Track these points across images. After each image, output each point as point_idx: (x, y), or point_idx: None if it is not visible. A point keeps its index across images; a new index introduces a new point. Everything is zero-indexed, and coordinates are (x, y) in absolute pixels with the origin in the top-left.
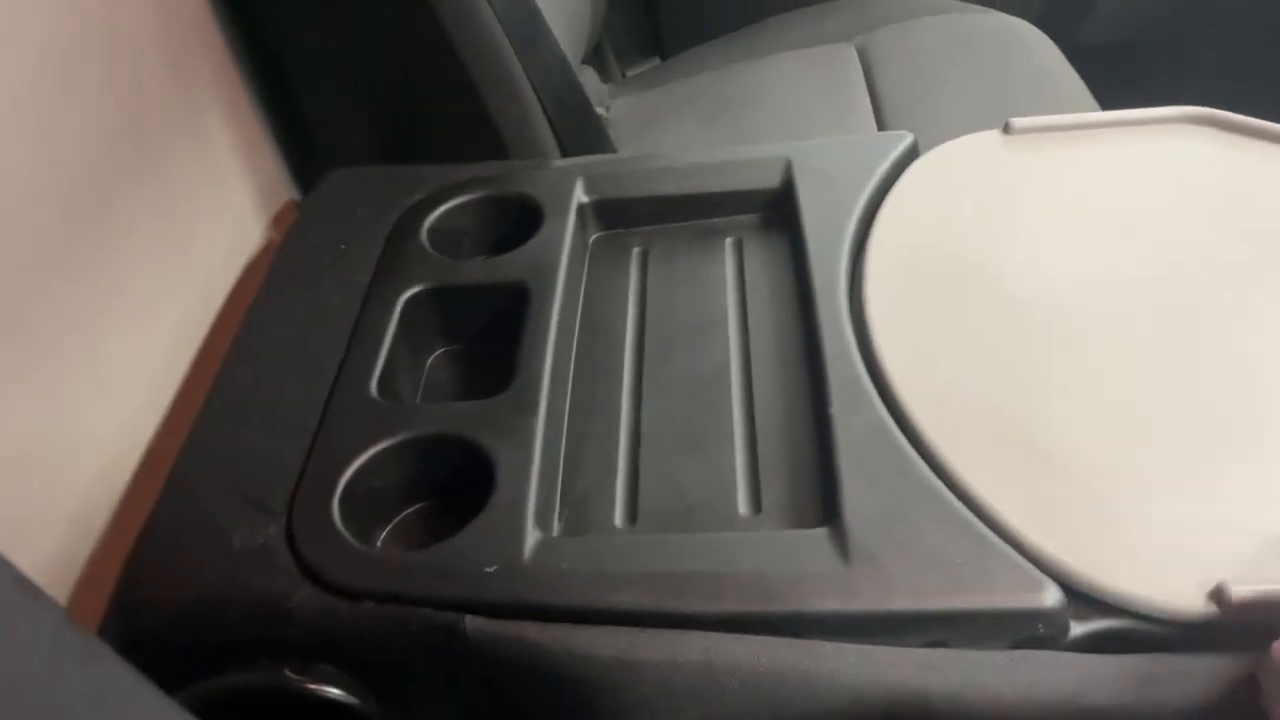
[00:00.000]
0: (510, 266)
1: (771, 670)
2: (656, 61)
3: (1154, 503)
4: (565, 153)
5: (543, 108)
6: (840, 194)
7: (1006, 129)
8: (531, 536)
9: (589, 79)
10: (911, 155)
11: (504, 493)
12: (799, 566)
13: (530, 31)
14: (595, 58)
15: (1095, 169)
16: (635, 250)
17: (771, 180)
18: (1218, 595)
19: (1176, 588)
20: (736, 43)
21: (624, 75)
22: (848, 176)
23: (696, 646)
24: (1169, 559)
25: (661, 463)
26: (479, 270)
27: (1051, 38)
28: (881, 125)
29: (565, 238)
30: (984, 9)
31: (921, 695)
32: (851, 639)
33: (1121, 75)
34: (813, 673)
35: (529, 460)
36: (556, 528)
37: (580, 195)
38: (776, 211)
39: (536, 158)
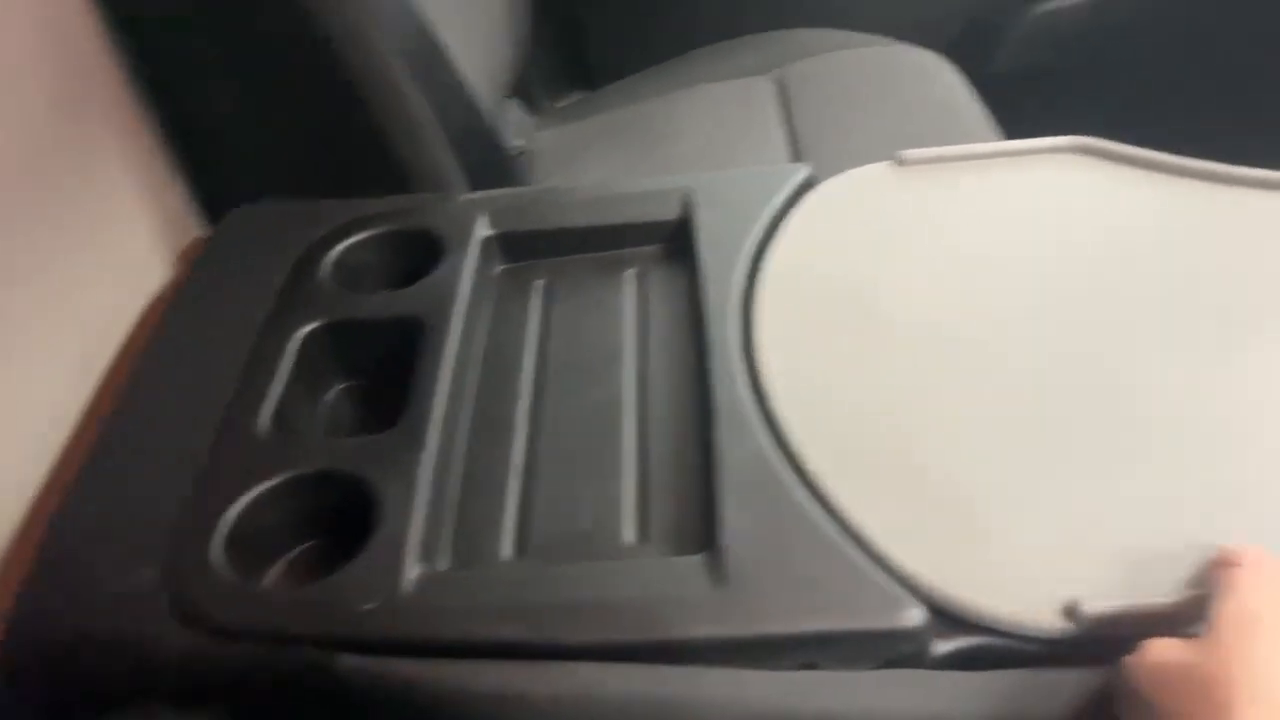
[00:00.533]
0: (408, 301)
1: (647, 699)
2: (585, 93)
3: (1018, 523)
4: (474, 186)
5: (448, 141)
6: (736, 225)
7: (898, 161)
8: (412, 571)
9: (514, 112)
10: (808, 187)
11: (387, 528)
12: (675, 593)
13: (430, 65)
14: (521, 90)
15: (981, 199)
16: (540, 283)
17: (671, 212)
18: (1072, 611)
19: (1035, 605)
20: (662, 75)
21: (552, 107)
22: (745, 208)
23: (577, 679)
24: (1029, 577)
25: (553, 493)
26: (376, 305)
27: (964, 68)
28: (796, 156)
29: (465, 271)
30: (897, 42)
31: (792, 718)
32: (726, 663)
33: (1031, 103)
34: (687, 699)
35: (413, 495)
36: (445, 562)
37: (484, 229)
38: (676, 243)
39: (442, 192)
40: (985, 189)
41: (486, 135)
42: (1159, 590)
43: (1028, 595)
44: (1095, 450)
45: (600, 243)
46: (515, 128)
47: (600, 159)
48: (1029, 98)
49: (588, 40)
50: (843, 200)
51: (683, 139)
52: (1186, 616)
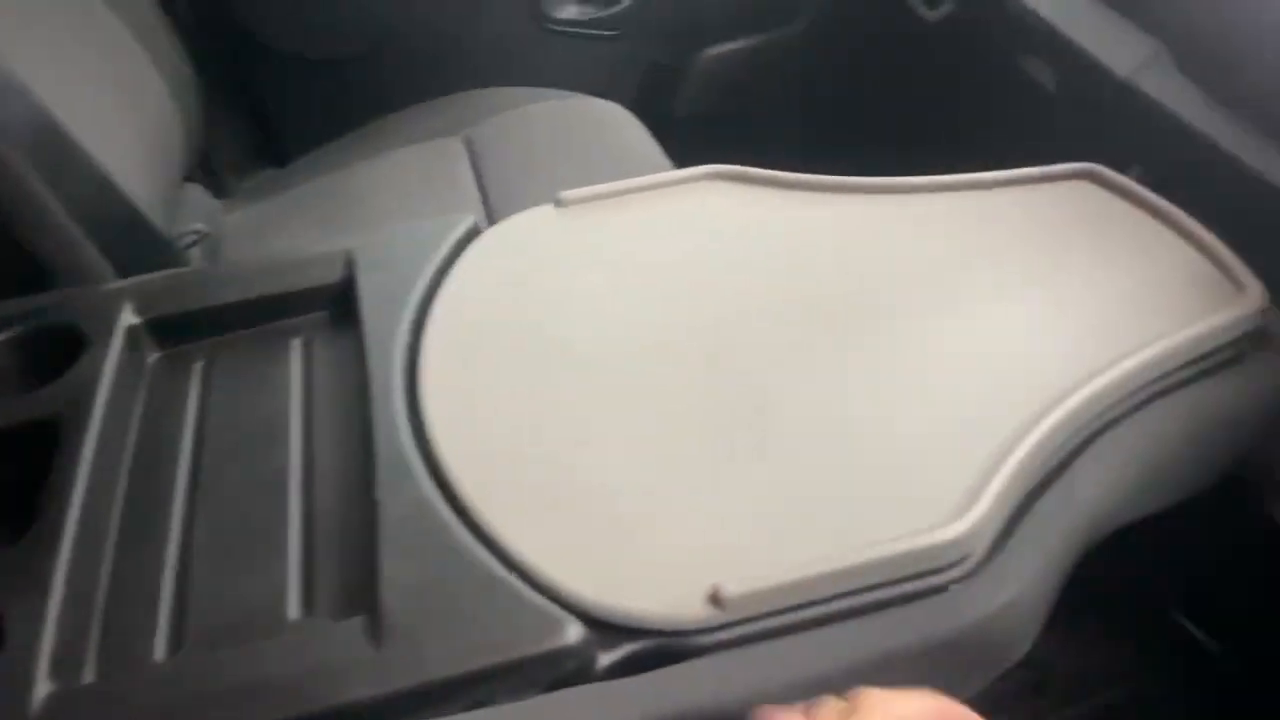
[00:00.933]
0: (42, 403)
1: None
2: (275, 170)
3: (664, 529)
4: (126, 273)
5: (86, 234)
6: (400, 280)
7: (558, 203)
8: (42, 689)
9: (197, 196)
10: (473, 236)
11: (12, 644)
12: (336, 660)
13: (56, 158)
14: (206, 172)
15: (634, 230)
16: (198, 365)
17: (333, 275)
18: (715, 598)
19: (684, 601)
20: (351, 144)
21: (241, 188)
22: (408, 263)
23: None
24: (677, 577)
25: (213, 581)
26: (8, 410)
27: (645, 116)
28: (489, 212)
29: (108, 364)
30: (579, 95)
31: None
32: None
33: (710, 143)
34: None
35: (44, 608)
36: (90, 674)
37: (130, 317)
38: (341, 306)
39: (87, 284)
40: (638, 221)
41: (138, 224)
42: (792, 569)
43: (677, 593)
44: (733, 455)
45: (262, 315)
46: (193, 212)
47: (290, 234)
48: (708, 139)
49: (271, 116)
50: (505, 245)
51: (375, 205)
52: None
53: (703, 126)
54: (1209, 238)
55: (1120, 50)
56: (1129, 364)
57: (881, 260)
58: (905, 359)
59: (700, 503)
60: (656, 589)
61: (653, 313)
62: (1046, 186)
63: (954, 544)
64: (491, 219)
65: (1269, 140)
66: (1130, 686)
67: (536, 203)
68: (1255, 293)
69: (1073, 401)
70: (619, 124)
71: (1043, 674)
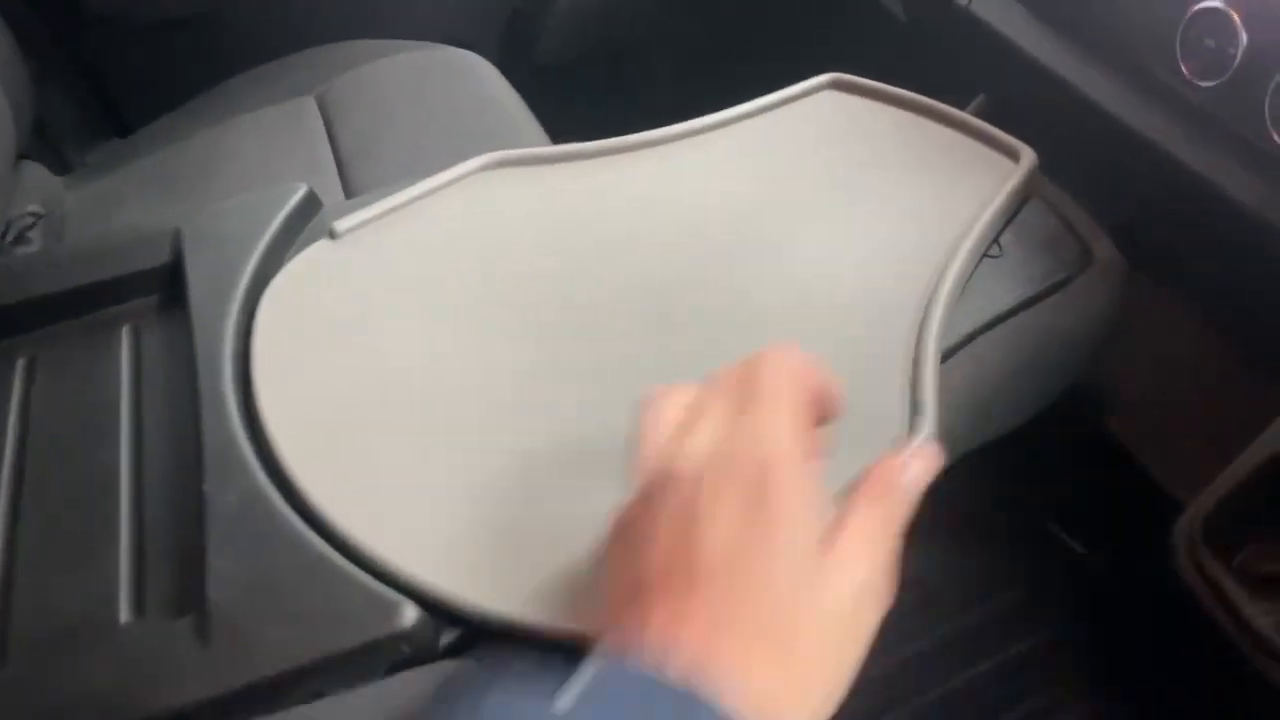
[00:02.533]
0: None
1: None
2: (118, 141)
3: (488, 515)
4: None
5: None
6: (230, 257)
7: (332, 235)
8: None
9: (35, 174)
10: (309, 205)
11: None
12: (163, 663)
13: None
14: (41, 148)
15: (417, 238)
16: (20, 361)
17: (160, 257)
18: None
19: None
20: (199, 109)
21: (83, 162)
22: (238, 239)
23: None
24: (491, 560)
25: (36, 591)
26: None
27: (506, 66)
28: (343, 174)
29: None
30: (438, 46)
31: None
32: None
33: (572, 91)
34: None
35: None
36: None
37: None
38: (171, 289)
39: None
40: (417, 229)
41: None
42: None
43: (512, 579)
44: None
45: (88, 304)
46: (30, 192)
47: (142, 208)
48: (575, 86)
49: (109, 85)
50: (296, 291)
51: (226, 173)
52: None
53: (568, 74)
54: (963, 116)
55: None
56: (955, 267)
57: (684, 216)
58: (751, 315)
59: (537, 487)
60: (478, 572)
61: (472, 313)
62: (802, 103)
63: None
64: (346, 184)
65: (1097, 63)
66: (1012, 594)
67: (394, 160)
68: (1027, 154)
69: (931, 323)
70: (479, 75)
71: (929, 590)
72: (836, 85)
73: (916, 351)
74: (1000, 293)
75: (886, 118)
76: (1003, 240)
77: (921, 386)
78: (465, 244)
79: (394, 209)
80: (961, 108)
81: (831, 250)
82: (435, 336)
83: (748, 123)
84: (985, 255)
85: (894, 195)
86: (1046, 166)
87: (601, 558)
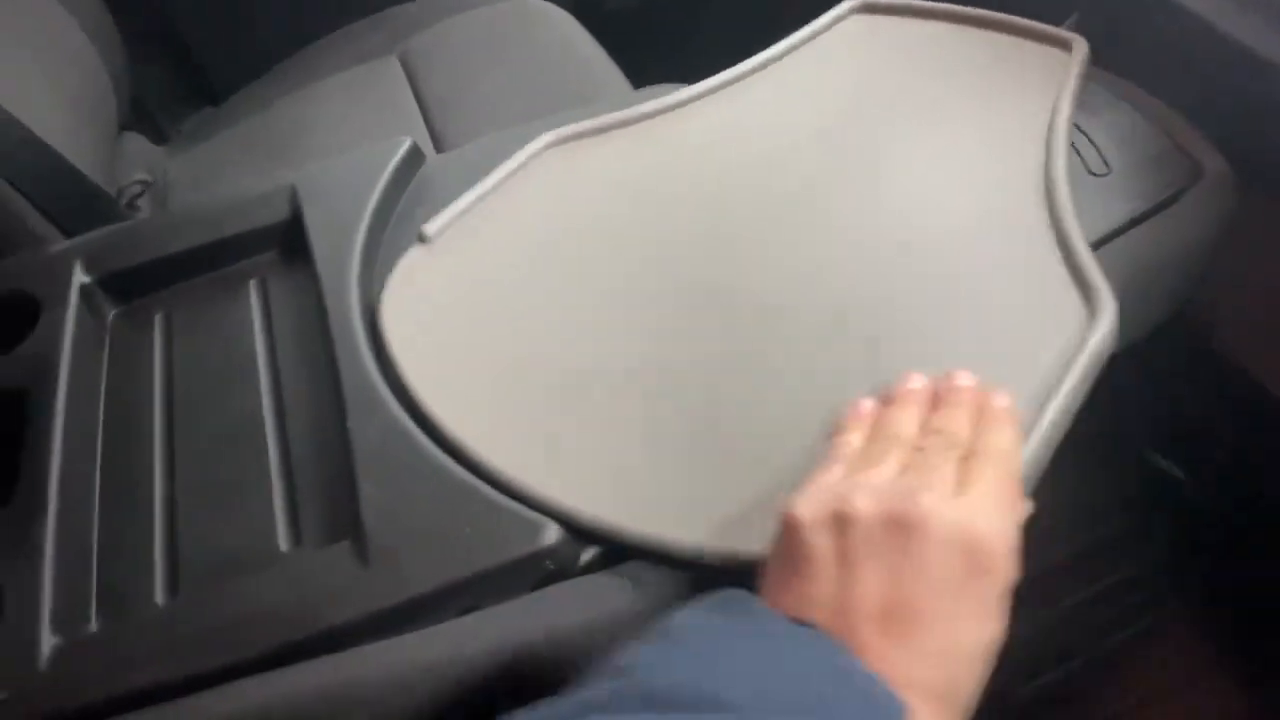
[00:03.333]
0: (5, 371)
1: (317, 694)
2: (210, 110)
3: (615, 445)
4: (69, 233)
5: (17, 194)
6: (346, 211)
7: (422, 239)
8: (48, 644)
9: (138, 145)
10: (414, 158)
11: (12, 609)
12: (325, 585)
13: None
14: (140, 120)
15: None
16: (159, 316)
17: (280, 213)
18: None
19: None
20: (284, 75)
21: (179, 131)
22: (352, 192)
23: (247, 696)
24: (624, 482)
25: (202, 523)
26: None
27: (581, 14)
28: (431, 131)
29: (67, 326)
30: None
31: (463, 662)
32: (389, 635)
33: (648, 34)
34: (353, 682)
35: (39, 567)
36: (93, 625)
37: (81, 276)
38: (292, 243)
39: (29, 249)
40: (503, 218)
41: (76, 180)
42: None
43: (635, 500)
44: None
45: (215, 261)
46: (135, 162)
47: (234, 175)
48: (644, 33)
49: (198, 52)
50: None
51: (317, 136)
52: None
53: (643, 18)
54: (1000, 17)
55: None
56: (1056, 161)
57: (756, 171)
58: (885, 253)
59: (660, 424)
60: (624, 495)
61: (606, 263)
62: (831, 34)
63: None
64: (435, 139)
65: None
66: (1120, 518)
67: (481, 114)
68: (1079, 43)
69: (1062, 211)
70: (557, 25)
71: (1038, 515)
72: (863, 8)
73: (1062, 241)
74: (1110, 210)
75: (924, 32)
76: (1109, 158)
77: (1085, 269)
78: (554, 222)
79: (476, 203)
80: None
81: (924, 175)
82: (548, 305)
83: (791, 59)
84: (1091, 173)
85: (960, 108)
86: (1150, 84)
87: (776, 547)
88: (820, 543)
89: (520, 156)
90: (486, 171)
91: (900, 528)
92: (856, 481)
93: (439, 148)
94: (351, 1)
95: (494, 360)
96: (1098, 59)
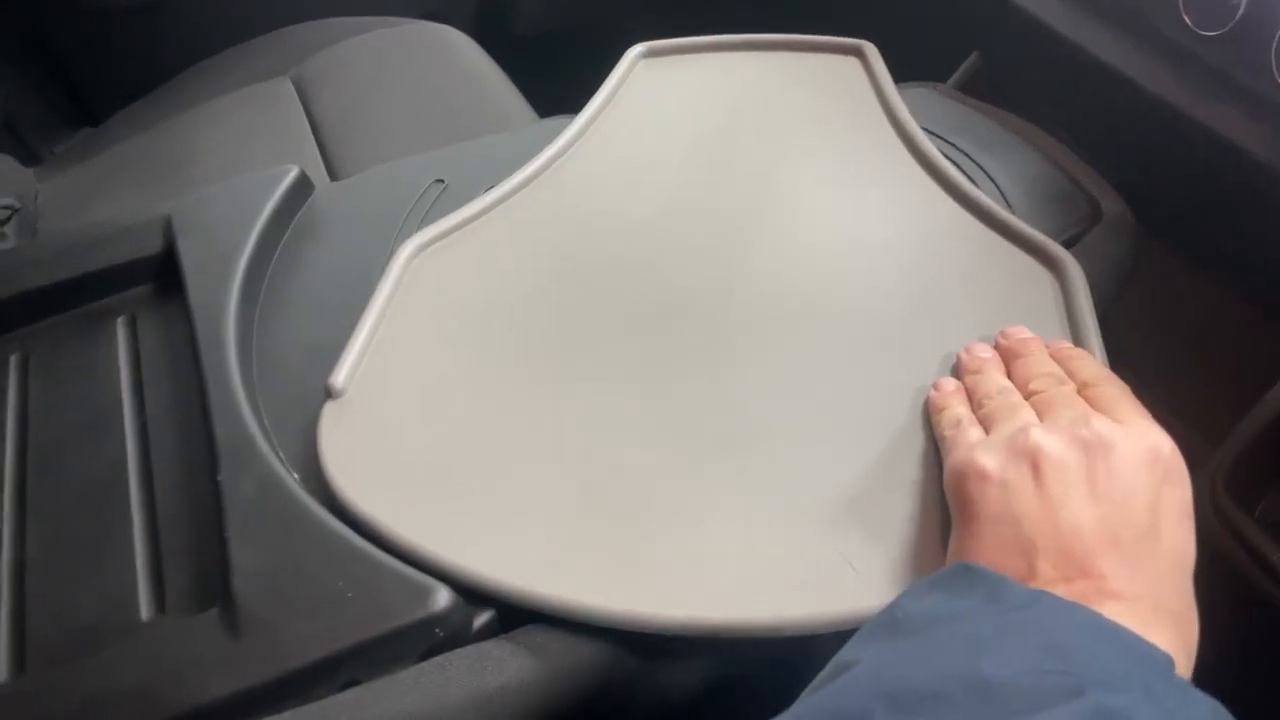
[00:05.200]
0: None
1: None
2: (89, 130)
3: (515, 496)
4: None
5: None
6: (225, 243)
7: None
8: None
9: (6, 166)
10: (302, 187)
11: None
12: (189, 659)
13: None
14: (10, 140)
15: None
16: (14, 357)
17: (153, 246)
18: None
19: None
20: (169, 95)
21: (53, 153)
22: (232, 224)
23: None
24: (521, 541)
25: (53, 589)
26: None
27: (484, 39)
28: (325, 157)
29: None
30: (412, 21)
31: None
32: (265, 713)
33: (557, 61)
34: None
35: None
36: None
37: None
38: (165, 278)
39: None
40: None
41: None
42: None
43: (529, 561)
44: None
45: (78, 296)
46: (2, 185)
47: (111, 200)
48: (558, 60)
49: (72, 70)
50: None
51: (202, 160)
52: None
53: (548, 45)
54: (780, 37)
55: None
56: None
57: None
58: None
59: (563, 466)
60: (522, 554)
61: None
62: (629, 84)
63: None
64: (329, 165)
65: (1097, 15)
66: None
67: (377, 138)
68: (869, 47)
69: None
70: (458, 49)
71: None
72: (649, 54)
73: (988, 219)
74: None
75: (718, 65)
76: (1010, 197)
77: (1025, 234)
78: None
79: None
80: (953, 68)
81: (816, 197)
82: (449, 361)
83: (604, 117)
84: None
85: (797, 128)
86: (1048, 124)
87: (966, 512)
88: (1019, 482)
89: (393, 272)
90: (380, 201)
91: (1089, 452)
92: (1017, 426)
93: (333, 175)
94: (243, 19)
95: (384, 413)
96: (999, 99)
